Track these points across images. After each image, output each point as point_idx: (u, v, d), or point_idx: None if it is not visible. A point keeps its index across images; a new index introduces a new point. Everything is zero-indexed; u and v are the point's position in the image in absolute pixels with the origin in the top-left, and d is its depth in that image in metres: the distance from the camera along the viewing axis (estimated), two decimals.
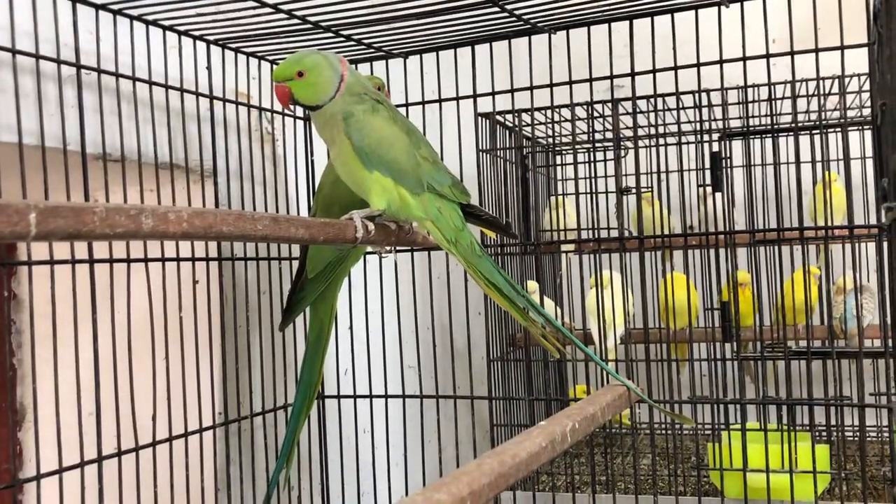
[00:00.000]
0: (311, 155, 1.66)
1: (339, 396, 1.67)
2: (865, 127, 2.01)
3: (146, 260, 1.22)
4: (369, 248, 1.41)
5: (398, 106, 1.51)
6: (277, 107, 1.56)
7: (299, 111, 1.63)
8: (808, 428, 1.71)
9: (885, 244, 1.28)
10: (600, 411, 1.09)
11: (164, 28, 1.30)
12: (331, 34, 1.40)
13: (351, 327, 1.66)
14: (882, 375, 2.04)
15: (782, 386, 1.62)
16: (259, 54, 1.50)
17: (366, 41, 1.47)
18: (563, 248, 2.14)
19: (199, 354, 1.32)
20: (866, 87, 1.88)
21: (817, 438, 1.78)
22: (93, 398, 1.12)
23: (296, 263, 1.52)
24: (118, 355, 1.16)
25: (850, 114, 2.02)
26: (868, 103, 1.96)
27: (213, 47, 1.39)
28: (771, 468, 1.58)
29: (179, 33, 1.32)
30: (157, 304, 1.23)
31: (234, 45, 1.43)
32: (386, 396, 1.63)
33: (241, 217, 0.99)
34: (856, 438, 2.15)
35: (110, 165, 1.20)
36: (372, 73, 1.58)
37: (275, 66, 1.53)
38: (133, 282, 1.19)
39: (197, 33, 1.35)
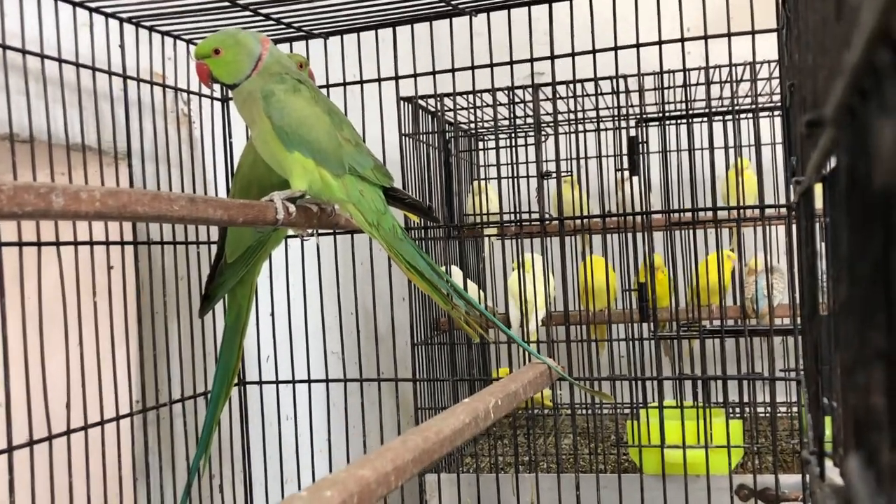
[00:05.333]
0: (230, 138, 1.62)
1: (260, 382, 1.65)
2: (776, 113, 2.08)
3: (58, 244, 1.18)
4: (290, 232, 1.39)
5: (319, 87, 1.49)
6: (194, 88, 1.53)
7: (217, 93, 1.60)
8: (722, 405, 1.76)
9: (794, 224, 1.33)
10: (522, 388, 1.10)
11: (74, 4, 1.25)
12: (249, 13, 1.37)
13: (272, 313, 1.64)
14: (791, 352, 2.11)
15: (698, 364, 1.66)
16: (175, 33, 1.46)
17: (285, 20, 1.45)
18: (486, 232, 2.16)
19: (114, 341, 1.29)
20: (776, 73, 1.94)
21: (731, 415, 1.83)
22: (2, 386, 1.08)
23: (214, 248, 1.50)
24: (29, 342, 1.12)
25: (761, 100, 2.08)
26: (778, 90, 2.03)
27: (126, 25, 1.35)
28: (687, 444, 1.62)
29: (90, 9, 1.28)
30: (70, 290, 1.19)
31: (148, 24, 1.39)
32: (309, 381, 1.62)
33: (156, 197, 0.96)
34: (767, 414, 2.23)
35: (18, 146, 1.16)
36: (291, 52, 1.56)
37: (191, 46, 1.50)
38: (44, 266, 1.15)
39: (109, 10, 1.31)
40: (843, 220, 0.35)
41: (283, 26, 1.48)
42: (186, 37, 1.49)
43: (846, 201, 0.35)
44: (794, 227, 1.33)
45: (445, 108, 2.08)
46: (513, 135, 1.91)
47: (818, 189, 0.79)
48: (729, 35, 1.42)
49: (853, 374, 0.32)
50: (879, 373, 0.25)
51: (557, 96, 1.83)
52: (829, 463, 0.77)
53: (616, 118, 2.00)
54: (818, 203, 0.87)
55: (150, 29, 1.41)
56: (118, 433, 1.27)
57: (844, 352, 0.38)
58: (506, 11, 1.49)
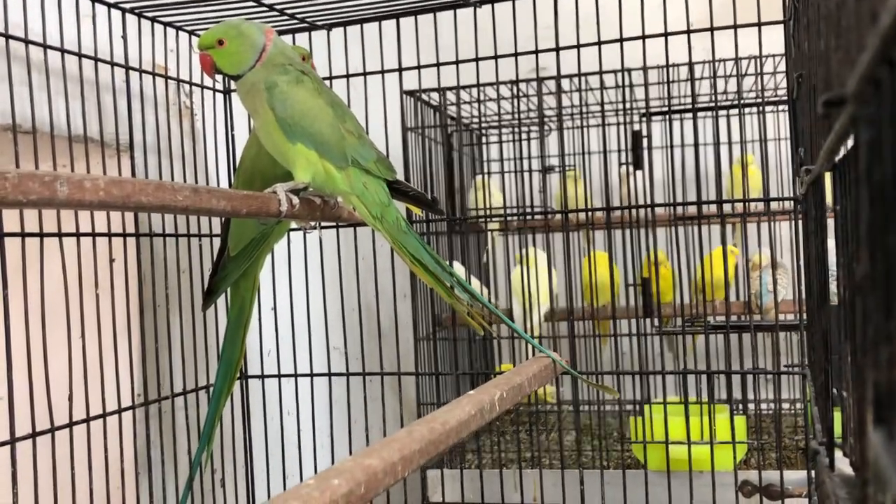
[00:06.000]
0: (232, 130, 1.62)
1: (262, 376, 1.64)
2: (781, 108, 2.07)
3: (60, 235, 1.17)
4: (293, 225, 1.39)
5: (322, 79, 1.49)
6: (196, 79, 1.52)
7: (220, 85, 1.60)
8: (726, 401, 1.76)
9: (800, 217, 1.32)
10: (527, 381, 1.09)
11: None
12: (252, 3, 1.37)
13: (275, 307, 1.64)
14: (796, 348, 2.11)
15: (702, 359, 1.66)
16: (177, 24, 1.45)
17: (289, 11, 1.44)
18: (489, 227, 2.15)
19: (116, 334, 1.28)
20: (781, 67, 1.93)
21: (735, 411, 1.83)
22: (4, 378, 1.07)
23: (217, 241, 1.49)
24: (31, 334, 1.11)
25: (766, 94, 2.07)
26: (783, 84, 2.02)
27: (128, 16, 1.34)
28: (691, 440, 1.62)
29: (93, 0, 1.27)
30: (73, 282, 1.19)
31: (150, 14, 1.38)
32: (311, 375, 1.61)
33: (160, 187, 0.96)
34: (771, 411, 2.22)
35: (21, 137, 1.15)
36: (294, 44, 1.55)
37: (194, 38, 1.50)
38: (47, 258, 1.14)
39: (111, 0, 1.30)
40: (864, 196, 0.35)
41: (286, 17, 1.47)
42: (189, 28, 1.48)
43: (867, 178, 0.34)
44: (799, 220, 1.32)
45: (448, 103, 2.07)
46: (516, 129, 1.90)
47: (827, 176, 0.78)
48: (735, 27, 1.41)
49: (876, 350, 0.31)
50: None
51: (562, 90, 1.82)
52: (838, 454, 0.76)
53: (621, 112, 1.99)
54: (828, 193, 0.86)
55: (153, 20, 1.40)
56: (120, 426, 1.27)
57: (864, 330, 0.37)
58: (510, 3, 1.48)
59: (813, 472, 1.18)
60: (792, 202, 1.46)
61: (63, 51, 1.22)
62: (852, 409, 0.62)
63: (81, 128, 1.26)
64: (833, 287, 0.81)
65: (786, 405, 2.22)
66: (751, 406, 2.00)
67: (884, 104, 0.30)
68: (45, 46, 1.19)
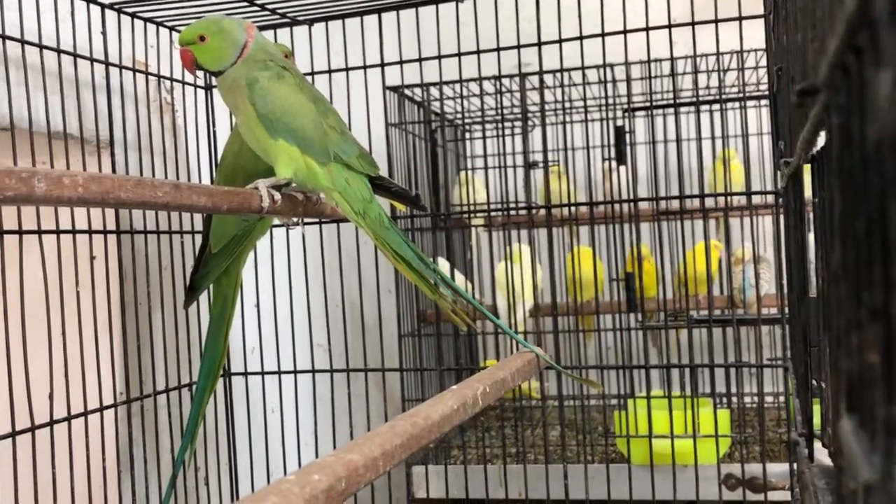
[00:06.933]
0: (213, 126, 1.61)
1: (246, 374, 1.63)
2: (763, 103, 2.08)
3: (39, 232, 1.16)
4: (276, 221, 1.38)
5: (304, 75, 1.48)
6: (178, 76, 1.51)
7: (201, 81, 1.59)
8: (710, 395, 1.76)
9: (782, 211, 1.33)
10: (510, 376, 1.10)
11: None
12: None
13: (258, 304, 1.63)
14: (779, 342, 2.12)
15: (685, 353, 1.66)
16: (157, 20, 1.44)
17: (269, 6, 1.44)
18: (473, 222, 2.15)
19: (97, 331, 1.27)
20: (763, 62, 1.94)
21: (719, 404, 1.84)
22: None
23: (198, 238, 1.48)
24: (11, 332, 1.10)
25: (748, 89, 2.08)
26: (765, 79, 2.03)
27: (108, 11, 1.33)
28: (675, 433, 1.62)
29: None
30: (53, 279, 1.18)
31: (130, 10, 1.37)
32: (295, 372, 1.60)
33: (140, 183, 0.95)
34: (754, 404, 2.23)
35: None
36: (276, 41, 1.54)
37: (175, 34, 1.49)
38: (26, 255, 1.13)
39: None
40: (835, 185, 0.35)
41: (267, 12, 1.46)
42: (169, 24, 1.47)
43: (838, 166, 0.34)
44: (781, 214, 1.33)
45: (432, 98, 2.07)
46: (500, 125, 1.90)
47: (806, 170, 0.79)
48: (716, 21, 1.42)
49: (848, 338, 0.32)
50: (874, 329, 0.24)
51: (545, 86, 1.82)
52: (817, 445, 0.77)
53: (603, 107, 2.00)
54: (806, 184, 0.87)
55: (133, 15, 1.39)
56: (102, 424, 1.26)
57: (838, 319, 0.37)
58: None
59: (795, 464, 1.19)
60: (774, 196, 1.46)
61: (42, 46, 1.21)
62: (830, 400, 0.62)
63: (61, 124, 1.25)
64: (813, 279, 0.82)
65: (769, 398, 2.23)
66: (734, 399, 2.01)
67: (853, 91, 0.30)
68: (23, 42, 1.18)
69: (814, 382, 0.79)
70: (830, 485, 0.63)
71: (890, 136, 0.24)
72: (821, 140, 0.60)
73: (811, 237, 0.83)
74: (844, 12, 0.29)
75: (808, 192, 0.89)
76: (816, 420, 0.78)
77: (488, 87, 2.02)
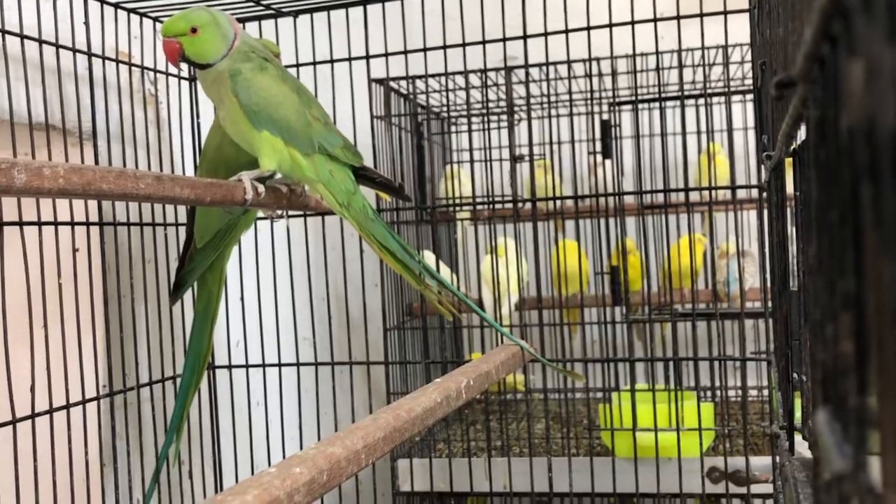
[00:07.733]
0: (197, 118, 1.60)
1: (230, 367, 1.63)
2: (748, 97, 2.08)
3: (21, 223, 1.15)
4: (260, 214, 1.38)
5: (289, 66, 1.47)
6: (161, 67, 1.50)
7: (185, 72, 1.58)
8: (693, 388, 1.77)
9: (766, 205, 1.33)
10: (494, 369, 1.10)
11: None
12: None
13: (242, 297, 1.62)
14: (762, 335, 2.13)
15: (669, 347, 1.67)
16: (140, 10, 1.43)
17: None
18: (459, 216, 2.15)
19: (80, 324, 1.26)
20: (748, 57, 1.95)
21: (702, 398, 1.84)
22: None
23: (181, 230, 1.47)
24: None
25: (733, 84, 2.09)
26: (750, 74, 2.03)
27: (90, 2, 1.32)
28: (659, 427, 1.63)
29: None
30: (35, 272, 1.17)
31: (113, 0, 1.36)
32: (280, 365, 1.60)
33: (122, 174, 0.95)
34: (738, 398, 2.24)
35: None
36: (261, 32, 1.53)
37: (159, 24, 1.48)
38: (7, 247, 1.12)
39: None
40: (813, 177, 0.35)
41: (251, 4, 1.45)
42: (153, 14, 1.46)
43: (815, 158, 0.34)
44: (765, 207, 1.33)
45: (417, 91, 2.06)
46: (486, 118, 1.90)
47: (788, 164, 0.79)
48: (702, 15, 1.42)
49: (823, 328, 0.32)
50: (847, 318, 0.24)
51: (530, 79, 1.82)
52: (798, 437, 0.77)
53: (589, 101, 2.00)
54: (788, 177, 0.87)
55: (116, 6, 1.38)
56: (84, 417, 1.25)
57: (815, 310, 0.37)
58: None
59: (777, 457, 1.20)
60: (758, 190, 1.47)
61: (23, 36, 1.20)
62: (809, 392, 0.62)
63: (43, 115, 1.24)
64: (794, 273, 0.82)
65: (753, 392, 2.24)
66: (718, 392, 2.01)
67: (829, 83, 0.30)
68: (3, 32, 1.17)
69: (795, 375, 0.80)
70: (810, 477, 0.63)
71: (862, 124, 0.24)
72: (802, 134, 0.61)
73: (792, 230, 0.83)
74: (819, 1, 0.29)
75: (790, 186, 0.90)
76: (798, 413, 0.78)
77: (474, 80, 2.02)
